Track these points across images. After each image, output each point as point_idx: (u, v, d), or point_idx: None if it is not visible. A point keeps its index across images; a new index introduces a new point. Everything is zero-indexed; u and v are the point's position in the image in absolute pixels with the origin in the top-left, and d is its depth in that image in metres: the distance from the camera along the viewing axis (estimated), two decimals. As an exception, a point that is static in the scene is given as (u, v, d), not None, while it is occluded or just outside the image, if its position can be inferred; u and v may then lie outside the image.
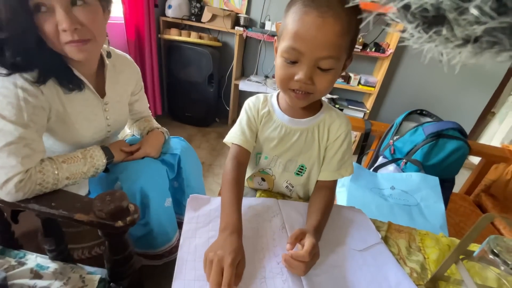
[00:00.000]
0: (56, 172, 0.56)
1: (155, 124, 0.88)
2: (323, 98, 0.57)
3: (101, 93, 0.69)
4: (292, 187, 0.60)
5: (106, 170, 0.69)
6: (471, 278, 0.35)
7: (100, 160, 0.65)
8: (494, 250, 0.34)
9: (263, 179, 0.61)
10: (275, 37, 0.50)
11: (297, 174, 0.58)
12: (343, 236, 0.48)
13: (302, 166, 0.57)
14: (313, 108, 0.54)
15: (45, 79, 0.56)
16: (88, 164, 0.62)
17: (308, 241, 0.38)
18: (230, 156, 0.52)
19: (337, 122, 0.54)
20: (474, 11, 0.15)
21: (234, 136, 0.54)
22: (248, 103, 0.57)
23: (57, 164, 0.57)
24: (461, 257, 0.38)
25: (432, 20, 0.18)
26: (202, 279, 0.36)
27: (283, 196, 0.60)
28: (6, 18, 0.48)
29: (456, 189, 1.35)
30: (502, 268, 0.33)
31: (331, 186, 0.56)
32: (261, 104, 0.55)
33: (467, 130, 2.19)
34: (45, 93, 0.56)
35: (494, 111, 2.29)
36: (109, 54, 0.70)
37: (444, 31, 0.18)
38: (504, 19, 0.15)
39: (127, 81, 0.77)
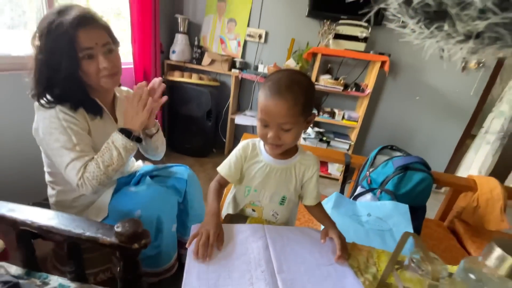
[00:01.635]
0: (95, 166, 0.74)
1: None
2: (303, 140, 0.73)
3: (115, 119, 0.89)
4: (277, 214, 0.73)
5: (139, 140, 0.84)
6: (401, 282, 0.47)
7: (121, 141, 0.76)
8: (413, 260, 0.47)
9: (253, 210, 0.74)
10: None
11: (281, 203, 0.72)
12: (314, 254, 0.60)
13: (284, 197, 0.72)
14: (290, 152, 0.70)
15: (77, 108, 0.76)
16: (115, 150, 0.76)
17: (334, 237, 0.62)
18: (216, 179, 0.73)
19: (311, 163, 0.71)
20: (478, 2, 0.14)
21: (222, 168, 0.72)
22: (241, 146, 0.72)
23: (94, 161, 0.75)
24: (396, 267, 0.51)
25: (434, 16, 0.18)
26: None
27: (269, 222, 0.73)
28: (65, 65, 0.71)
29: (433, 215, 1.48)
30: (420, 272, 0.46)
31: (318, 204, 0.74)
32: (251, 150, 0.71)
33: (446, 161, 2.37)
34: (79, 120, 0.76)
35: (468, 142, 2.49)
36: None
37: (446, 27, 0.17)
38: (507, 15, 0.15)
39: None
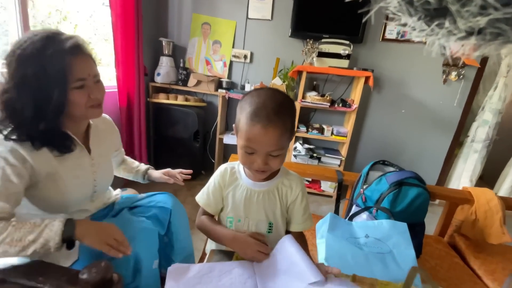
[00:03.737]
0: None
1: (136, 163, 1.06)
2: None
3: (88, 150, 0.79)
4: (267, 246, 0.66)
5: (70, 246, 0.63)
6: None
7: (54, 234, 0.57)
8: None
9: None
10: (234, 125, 0.61)
11: (269, 232, 0.65)
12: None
13: (270, 224, 0.65)
14: (271, 174, 0.64)
15: (40, 147, 0.64)
16: (36, 233, 0.56)
17: None
18: (200, 211, 0.70)
19: (293, 184, 0.65)
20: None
21: (200, 198, 0.68)
22: (219, 172, 0.67)
23: (5, 225, 0.56)
24: (405, 305, 0.44)
25: (434, 13, 0.18)
26: None
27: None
28: (56, 96, 0.63)
29: (430, 229, 1.42)
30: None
31: (301, 233, 0.67)
32: (229, 175, 0.66)
33: (437, 171, 2.36)
34: (33, 161, 0.62)
35: (456, 151, 2.50)
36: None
37: (447, 24, 0.17)
38: (508, 10, 0.15)
39: (108, 140, 0.90)
